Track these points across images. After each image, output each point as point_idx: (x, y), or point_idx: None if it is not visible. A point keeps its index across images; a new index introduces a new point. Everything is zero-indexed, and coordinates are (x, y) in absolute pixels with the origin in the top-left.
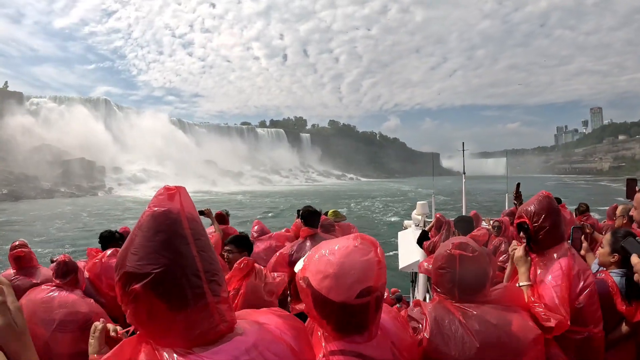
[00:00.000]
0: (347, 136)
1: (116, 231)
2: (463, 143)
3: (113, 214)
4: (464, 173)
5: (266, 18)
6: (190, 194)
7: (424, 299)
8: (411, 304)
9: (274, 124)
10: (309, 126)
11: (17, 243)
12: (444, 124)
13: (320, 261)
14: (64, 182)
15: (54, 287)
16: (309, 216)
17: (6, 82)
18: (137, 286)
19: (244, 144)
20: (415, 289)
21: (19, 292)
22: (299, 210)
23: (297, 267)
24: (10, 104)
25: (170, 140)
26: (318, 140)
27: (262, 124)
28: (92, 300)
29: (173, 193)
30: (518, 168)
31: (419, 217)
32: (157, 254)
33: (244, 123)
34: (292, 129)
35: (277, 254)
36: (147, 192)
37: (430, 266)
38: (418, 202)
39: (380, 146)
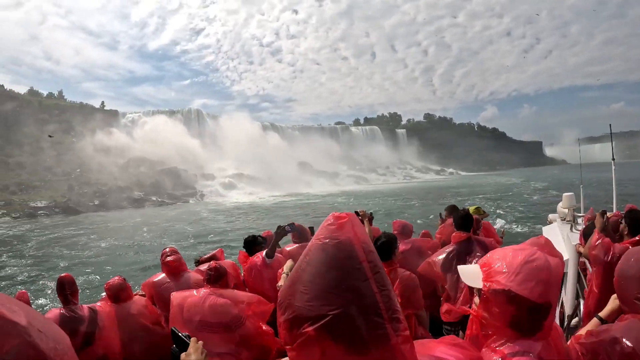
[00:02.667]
0: (443, 129)
1: (259, 235)
2: (610, 125)
3: (210, 218)
4: (613, 159)
5: (349, 18)
6: (284, 197)
7: (575, 306)
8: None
9: (368, 121)
10: (404, 121)
11: (167, 250)
12: (543, 109)
13: (524, 266)
14: (156, 192)
15: (206, 291)
16: (462, 219)
17: (102, 102)
18: (309, 329)
19: (339, 143)
20: (562, 291)
21: (167, 295)
22: (440, 214)
23: None
24: (106, 121)
25: (263, 145)
26: (414, 135)
27: (357, 123)
28: (243, 303)
29: (344, 222)
30: (627, 153)
31: (566, 210)
32: (333, 293)
33: (338, 123)
34: (387, 126)
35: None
36: (240, 197)
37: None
38: (564, 194)
39: (479, 137)
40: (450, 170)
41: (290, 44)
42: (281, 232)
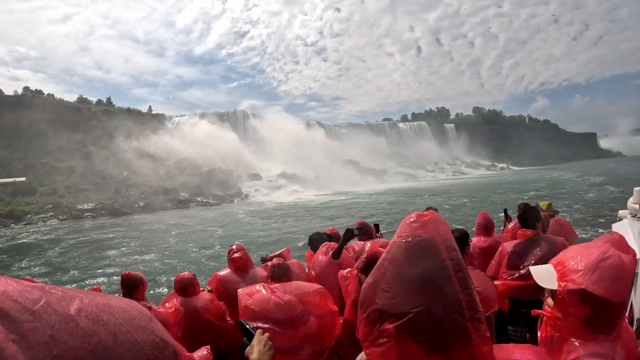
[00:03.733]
0: (493, 123)
1: (324, 233)
2: None
3: (245, 220)
4: None
5: (392, 13)
6: (329, 197)
7: None
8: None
9: (416, 117)
10: (452, 116)
11: (234, 247)
12: (596, 99)
13: (599, 264)
14: (201, 193)
15: (271, 288)
16: (526, 216)
17: (150, 107)
18: (390, 326)
19: (386, 140)
20: (632, 292)
21: (233, 290)
22: (505, 210)
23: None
24: (153, 125)
25: (309, 144)
26: (463, 129)
27: (404, 119)
28: (308, 295)
29: (427, 220)
30: None
31: (637, 206)
32: (415, 291)
33: (385, 119)
34: (435, 121)
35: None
36: (284, 197)
37: None
38: (635, 189)
39: (531, 130)
40: (502, 165)
41: (334, 42)
42: (349, 234)
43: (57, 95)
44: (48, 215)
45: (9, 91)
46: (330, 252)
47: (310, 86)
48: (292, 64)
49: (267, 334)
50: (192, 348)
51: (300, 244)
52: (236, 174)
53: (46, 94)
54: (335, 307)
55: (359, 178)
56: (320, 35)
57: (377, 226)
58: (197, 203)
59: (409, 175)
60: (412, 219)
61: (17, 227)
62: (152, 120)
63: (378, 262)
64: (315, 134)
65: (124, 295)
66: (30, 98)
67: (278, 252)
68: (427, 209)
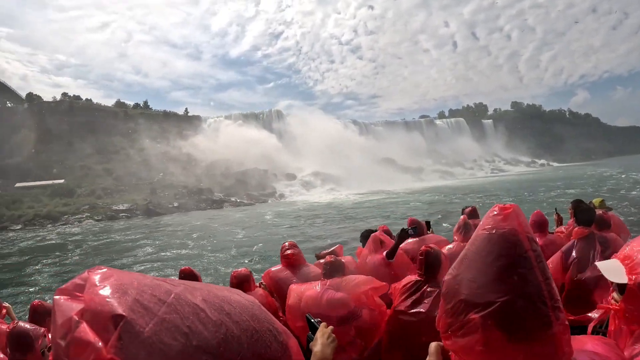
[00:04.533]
0: (532, 118)
1: (376, 229)
2: None
3: (270, 222)
4: None
5: (426, 8)
6: (364, 196)
7: None
8: None
9: (453, 113)
10: (490, 111)
11: (286, 244)
12: (639, 90)
13: None
14: (235, 193)
15: (323, 285)
16: (583, 214)
17: (186, 109)
18: (475, 316)
19: (423, 137)
20: None
21: (286, 286)
22: (556, 208)
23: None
24: (189, 127)
25: (344, 142)
26: (501, 125)
27: (441, 115)
28: (361, 294)
29: (509, 212)
30: None
31: None
32: (500, 281)
33: (422, 116)
34: (472, 117)
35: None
36: (319, 196)
37: None
38: None
39: (571, 125)
40: (542, 161)
41: (369, 40)
42: (404, 234)
43: (98, 100)
44: (84, 216)
45: (48, 97)
46: (384, 252)
47: (347, 85)
48: (327, 63)
49: (330, 327)
50: None
51: (323, 244)
52: (270, 174)
53: (84, 99)
54: (382, 302)
55: (395, 176)
56: (355, 33)
57: (428, 223)
58: (230, 203)
59: (446, 173)
60: (495, 212)
61: (53, 227)
62: (188, 121)
63: (461, 255)
64: (350, 133)
65: None
66: (68, 104)
67: (331, 249)
68: (464, 208)
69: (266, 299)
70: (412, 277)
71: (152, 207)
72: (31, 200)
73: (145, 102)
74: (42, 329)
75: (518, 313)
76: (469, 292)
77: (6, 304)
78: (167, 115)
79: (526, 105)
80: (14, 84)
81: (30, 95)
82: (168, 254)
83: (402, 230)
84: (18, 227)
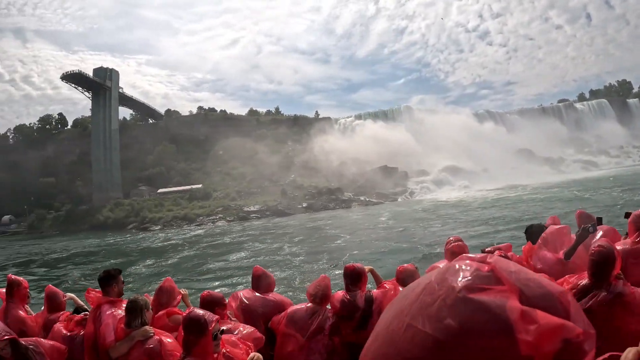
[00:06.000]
0: None
1: (543, 224)
2: None
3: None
4: None
5: None
6: (499, 192)
7: None
8: None
9: (594, 94)
10: (635, 89)
11: (452, 238)
12: None
13: None
14: (365, 192)
15: None
16: None
17: (316, 111)
18: None
19: (563, 124)
20: None
21: None
22: None
23: None
24: (320, 129)
25: (477, 135)
26: None
27: (581, 97)
28: None
29: None
30: None
31: None
32: None
33: (560, 101)
34: (616, 97)
35: None
36: (450, 193)
37: None
38: None
39: None
40: None
41: (496, 23)
42: (584, 233)
43: (235, 110)
44: (217, 217)
45: (185, 112)
46: (562, 252)
47: (479, 74)
48: (456, 53)
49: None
50: None
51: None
52: (401, 171)
53: (218, 110)
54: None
55: (533, 169)
56: (480, 18)
57: (599, 220)
58: (359, 202)
59: (589, 162)
60: None
61: (189, 227)
62: (318, 124)
63: None
64: (483, 124)
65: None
66: (203, 116)
67: (498, 246)
68: (627, 214)
69: None
70: (579, 279)
71: (282, 208)
72: (171, 203)
73: (277, 108)
74: (216, 316)
75: None
76: None
77: (184, 290)
78: (297, 119)
79: None
80: (157, 102)
81: (168, 111)
82: (243, 253)
83: (583, 229)
84: (157, 228)
